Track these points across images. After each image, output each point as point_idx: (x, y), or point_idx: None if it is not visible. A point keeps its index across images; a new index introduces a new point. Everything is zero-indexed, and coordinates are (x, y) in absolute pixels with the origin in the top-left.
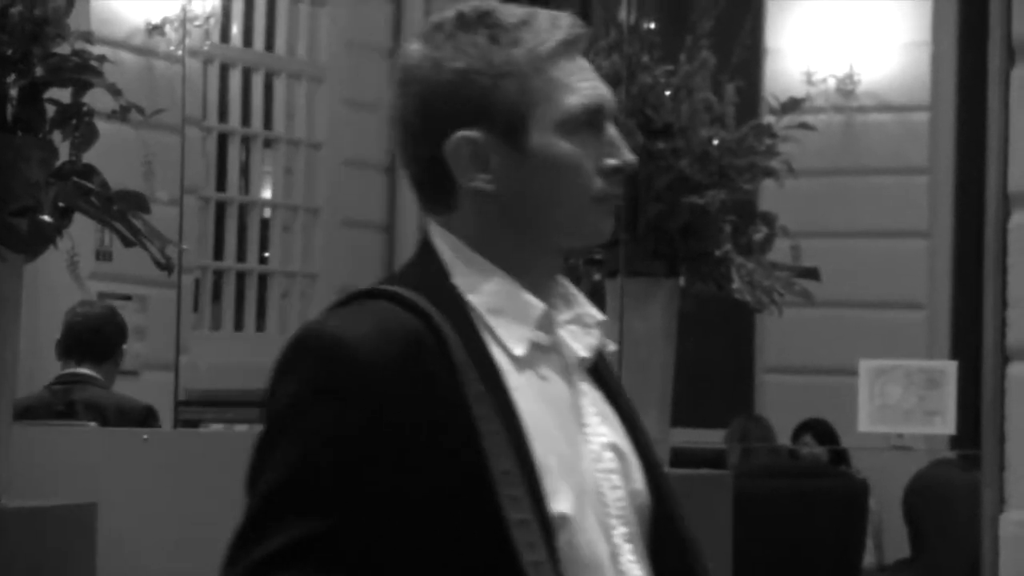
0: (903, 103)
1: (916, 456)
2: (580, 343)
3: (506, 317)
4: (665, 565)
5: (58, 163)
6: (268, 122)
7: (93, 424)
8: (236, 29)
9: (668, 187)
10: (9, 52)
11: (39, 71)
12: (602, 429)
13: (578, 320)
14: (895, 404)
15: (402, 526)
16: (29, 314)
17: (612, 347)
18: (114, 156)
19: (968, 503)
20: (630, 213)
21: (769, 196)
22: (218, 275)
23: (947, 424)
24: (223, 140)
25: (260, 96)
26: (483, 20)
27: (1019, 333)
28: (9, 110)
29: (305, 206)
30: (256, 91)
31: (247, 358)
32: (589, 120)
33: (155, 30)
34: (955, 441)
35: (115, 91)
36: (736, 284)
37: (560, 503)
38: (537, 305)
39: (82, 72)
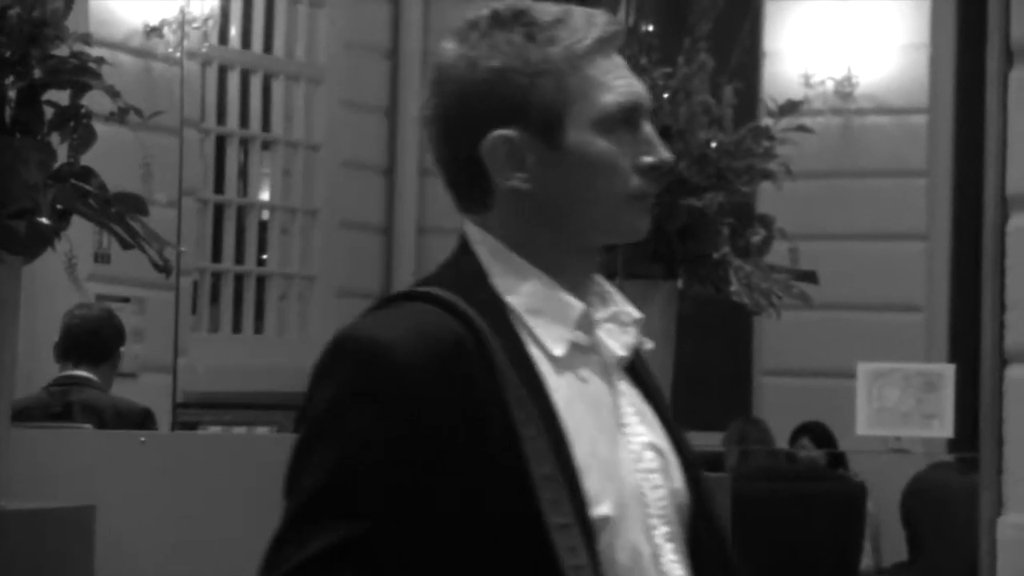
0: (901, 105)
1: (914, 459)
2: (617, 342)
3: (545, 317)
4: (704, 564)
5: (56, 165)
6: (266, 124)
7: (89, 426)
8: (234, 31)
9: (666, 189)
10: (7, 54)
11: (37, 73)
12: (641, 428)
13: (615, 318)
14: (893, 407)
15: (441, 530)
16: (27, 316)
17: (649, 345)
18: (112, 158)
19: (966, 506)
20: None
21: (767, 198)
22: (216, 277)
23: (945, 427)
24: (221, 142)
25: (258, 98)
26: (518, 18)
27: (1017, 336)
28: (7, 112)
29: (303, 208)
30: (254, 93)
31: (245, 360)
32: (625, 118)
33: (153, 32)
34: (953, 444)
35: (113, 93)
36: (734, 286)
37: (601, 505)
38: (576, 305)
39: (80, 74)
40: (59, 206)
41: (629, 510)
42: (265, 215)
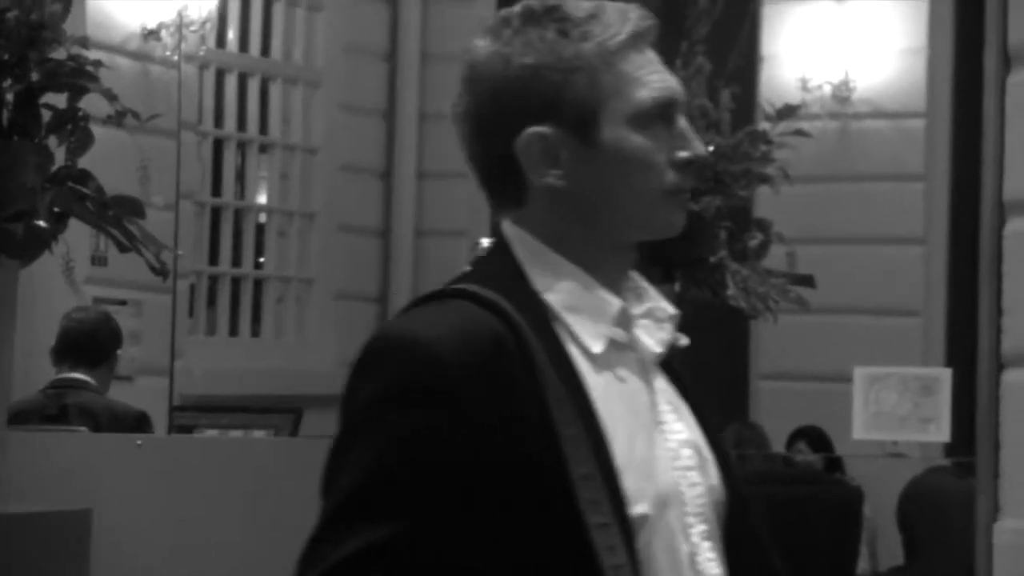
0: (899, 110)
1: (911, 463)
2: (653, 338)
3: (583, 315)
4: (741, 562)
5: (54, 168)
6: (264, 127)
7: (84, 429)
8: (232, 34)
9: None
10: (5, 57)
11: (35, 76)
12: (678, 426)
13: (650, 314)
14: (890, 411)
15: (480, 530)
16: (24, 318)
17: (684, 341)
18: (110, 161)
19: (963, 511)
20: None
21: (764, 202)
22: (213, 280)
23: (942, 431)
24: (219, 145)
25: (256, 101)
26: (551, 14)
27: (1014, 340)
28: (5, 115)
29: (301, 211)
30: (252, 96)
31: (242, 363)
32: (660, 113)
33: (151, 35)
34: (950, 448)
35: (111, 96)
36: (731, 290)
37: (640, 504)
38: (614, 302)
39: (78, 77)
40: (56, 209)
41: (667, 508)
42: (262, 218)
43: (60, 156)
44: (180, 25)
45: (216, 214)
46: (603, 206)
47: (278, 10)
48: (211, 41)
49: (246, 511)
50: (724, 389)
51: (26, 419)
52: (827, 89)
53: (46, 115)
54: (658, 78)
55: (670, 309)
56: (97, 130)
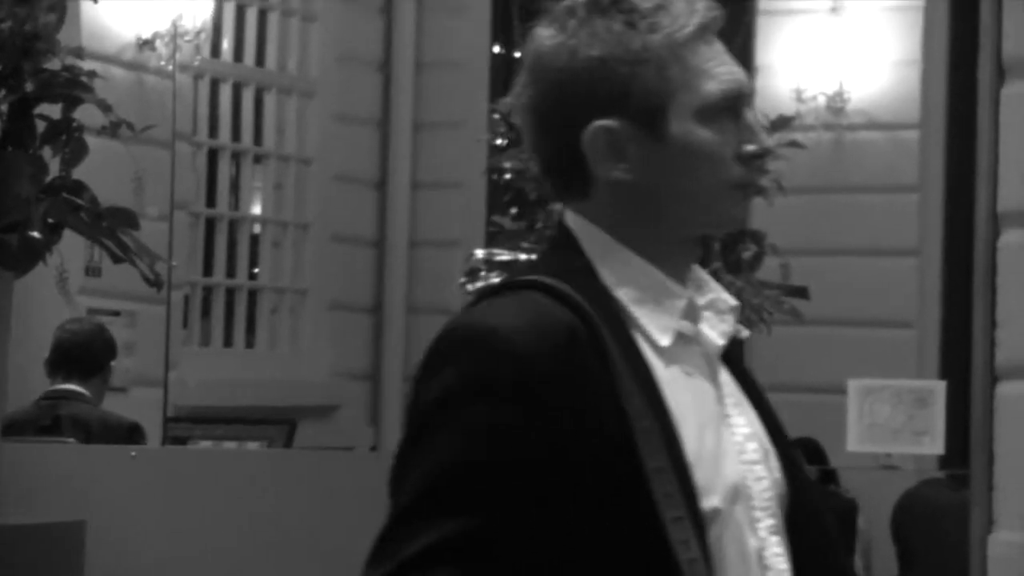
0: (893, 121)
1: (905, 476)
2: (716, 330)
3: (651, 307)
4: (806, 556)
5: (48, 179)
6: (258, 137)
7: (73, 440)
8: (227, 44)
9: None
10: None
11: (29, 86)
12: (742, 419)
13: (712, 306)
14: (884, 423)
15: (554, 524)
16: (18, 329)
17: (745, 333)
18: (104, 171)
19: (957, 523)
20: None
21: (758, 214)
22: (207, 291)
23: (936, 444)
24: (213, 155)
25: (250, 111)
26: (618, 4)
27: (1008, 353)
28: None
29: (295, 222)
30: (246, 106)
31: (236, 374)
32: (728, 106)
33: (145, 45)
34: (944, 461)
35: (105, 106)
36: None
37: (711, 498)
38: (681, 294)
39: (72, 87)
40: (51, 220)
41: (735, 503)
42: (257, 228)
43: (54, 167)
44: (175, 35)
45: (210, 225)
46: (670, 200)
47: (273, 20)
48: (206, 51)
49: (240, 522)
50: None
51: (20, 430)
52: (821, 100)
53: (40, 126)
54: (726, 70)
55: (731, 300)
56: (91, 141)
